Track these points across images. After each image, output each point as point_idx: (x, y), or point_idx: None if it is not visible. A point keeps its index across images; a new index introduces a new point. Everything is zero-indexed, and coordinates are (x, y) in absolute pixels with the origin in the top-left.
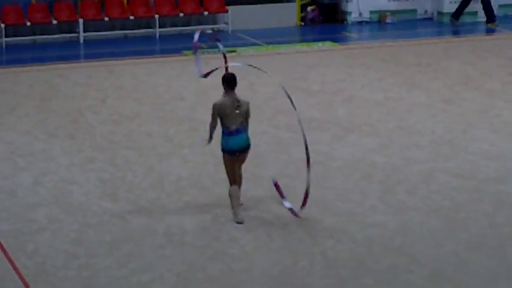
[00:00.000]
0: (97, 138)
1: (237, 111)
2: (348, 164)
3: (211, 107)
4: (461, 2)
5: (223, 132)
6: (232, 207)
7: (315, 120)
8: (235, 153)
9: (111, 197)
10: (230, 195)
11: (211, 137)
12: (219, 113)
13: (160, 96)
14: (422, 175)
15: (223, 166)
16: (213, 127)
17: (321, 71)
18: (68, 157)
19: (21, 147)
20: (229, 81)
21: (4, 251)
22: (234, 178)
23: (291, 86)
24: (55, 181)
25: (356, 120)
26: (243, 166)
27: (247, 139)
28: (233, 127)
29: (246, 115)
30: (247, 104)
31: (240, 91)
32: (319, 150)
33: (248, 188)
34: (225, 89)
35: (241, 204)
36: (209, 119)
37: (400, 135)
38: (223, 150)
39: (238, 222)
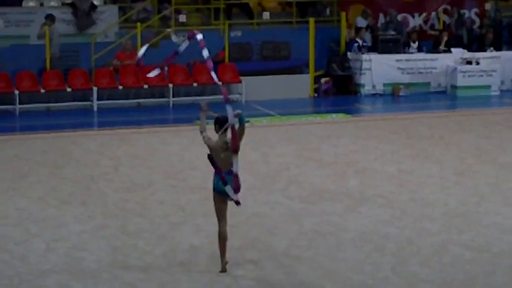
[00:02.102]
0: (109, 205)
1: (226, 153)
2: (361, 235)
3: (208, 140)
4: None
5: (215, 172)
6: (220, 253)
7: (327, 192)
8: (224, 194)
9: (122, 265)
10: (219, 238)
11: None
12: (207, 144)
13: (173, 165)
14: (435, 247)
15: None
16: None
17: (334, 143)
18: (79, 224)
19: (34, 213)
20: (222, 124)
21: None
22: (223, 217)
23: (304, 157)
24: (66, 248)
25: (369, 191)
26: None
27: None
28: (224, 170)
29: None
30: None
31: (253, 162)
32: (332, 221)
33: (260, 258)
34: (216, 131)
35: (227, 261)
36: None
37: (413, 207)
38: (214, 189)
39: (221, 271)
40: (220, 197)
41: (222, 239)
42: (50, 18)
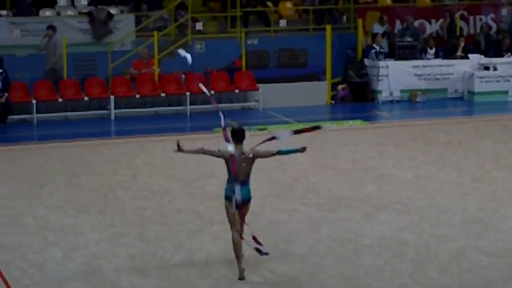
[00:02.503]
0: (127, 214)
1: (244, 164)
2: (379, 241)
3: (219, 151)
4: None
5: (228, 180)
6: (236, 260)
7: (345, 198)
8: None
9: (141, 273)
10: (234, 245)
11: (184, 150)
12: (221, 157)
13: (191, 173)
14: (454, 253)
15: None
16: (201, 151)
17: (351, 149)
18: (97, 232)
19: (52, 222)
20: (234, 134)
21: None
22: (234, 224)
23: (321, 164)
24: (84, 256)
25: (386, 198)
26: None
27: (250, 192)
28: (239, 178)
29: (252, 164)
30: (252, 151)
31: (270, 169)
32: (350, 227)
33: (278, 265)
34: (234, 142)
35: (244, 268)
36: None
37: (431, 213)
38: (225, 197)
39: (239, 279)
40: (232, 205)
41: (236, 246)
42: (52, 28)
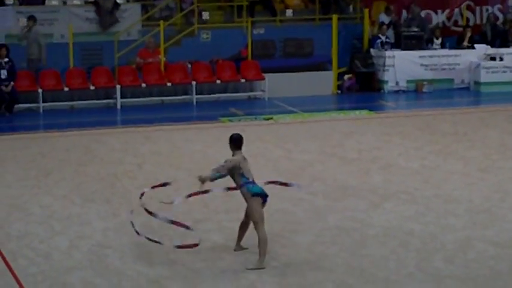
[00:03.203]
0: (133, 203)
1: (249, 166)
2: (385, 231)
3: (231, 160)
4: None
5: (246, 183)
6: (262, 255)
7: (351, 188)
8: (265, 198)
9: (146, 261)
10: (264, 241)
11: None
12: (234, 164)
13: (197, 162)
14: (460, 243)
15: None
16: (222, 173)
17: (358, 139)
18: (103, 221)
19: (58, 211)
20: (237, 141)
21: None
22: (263, 220)
23: (328, 153)
24: (90, 245)
25: (393, 187)
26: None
27: (263, 189)
28: (251, 178)
29: None
30: None
31: (277, 158)
32: (356, 217)
33: (283, 254)
34: (232, 149)
35: (247, 248)
36: None
37: (437, 203)
38: (255, 194)
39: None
40: (261, 201)
41: (264, 243)
42: (32, 19)
